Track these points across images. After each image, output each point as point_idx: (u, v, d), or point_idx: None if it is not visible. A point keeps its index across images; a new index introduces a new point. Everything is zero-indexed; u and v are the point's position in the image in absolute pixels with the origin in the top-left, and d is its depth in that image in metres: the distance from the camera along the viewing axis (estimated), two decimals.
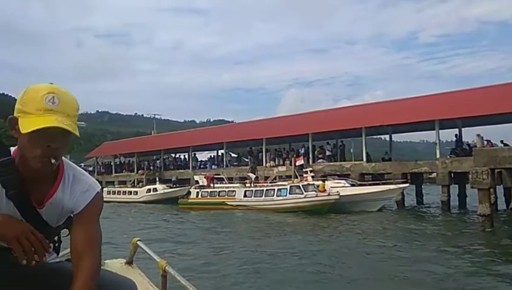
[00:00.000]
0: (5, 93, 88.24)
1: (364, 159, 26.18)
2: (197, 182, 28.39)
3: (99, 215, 1.62)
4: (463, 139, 24.86)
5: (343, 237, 14.30)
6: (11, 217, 1.46)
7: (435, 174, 23.22)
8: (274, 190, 23.18)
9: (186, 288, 1.77)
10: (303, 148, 29.96)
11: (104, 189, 32.86)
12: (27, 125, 1.34)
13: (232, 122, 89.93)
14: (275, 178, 26.95)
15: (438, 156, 23.05)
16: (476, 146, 20.67)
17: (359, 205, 21.15)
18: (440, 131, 24.29)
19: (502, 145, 22.09)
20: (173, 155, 42.82)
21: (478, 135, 22.77)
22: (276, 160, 30.97)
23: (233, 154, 37.69)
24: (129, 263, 2.61)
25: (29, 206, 1.51)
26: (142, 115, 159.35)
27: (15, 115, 1.40)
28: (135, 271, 2.49)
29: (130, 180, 38.80)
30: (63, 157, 1.54)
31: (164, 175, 37.69)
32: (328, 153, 29.06)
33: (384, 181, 23.00)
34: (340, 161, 28.14)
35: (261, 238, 14.71)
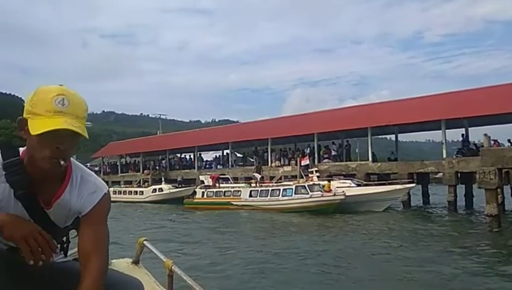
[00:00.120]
0: (12, 93, 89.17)
1: (370, 159, 26.06)
2: (202, 182, 28.39)
3: (106, 216, 1.63)
4: (469, 139, 24.72)
5: (349, 238, 14.26)
6: (19, 217, 1.47)
7: (441, 174, 23.07)
8: (279, 190, 23.14)
9: (192, 288, 1.77)
10: (308, 148, 29.88)
11: (110, 189, 32.52)
12: (37, 127, 1.35)
13: (237, 122, 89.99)
14: (280, 178, 26.94)
15: (444, 155, 22.91)
16: (483, 146, 20.51)
17: (365, 205, 21.06)
18: (446, 131, 24.16)
19: (509, 144, 21.98)
20: (179, 155, 42.90)
21: (485, 135, 22.55)
22: (282, 160, 30.91)
23: (238, 154, 37.67)
24: (135, 262, 2.62)
25: (37, 206, 1.52)
26: (148, 115, 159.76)
27: (24, 116, 1.40)
28: (141, 271, 2.50)
29: (136, 180, 38.92)
30: (71, 158, 1.55)
31: (170, 175, 37.77)
32: (333, 153, 28.97)
33: (390, 181, 22.89)
34: (346, 161, 28.06)
35: (266, 238, 14.70)
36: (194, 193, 27.85)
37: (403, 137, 47.79)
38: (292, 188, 22.56)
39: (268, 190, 23.70)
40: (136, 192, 34.87)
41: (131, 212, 25.67)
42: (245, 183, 27.15)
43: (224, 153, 37.08)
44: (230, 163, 34.51)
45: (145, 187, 35.07)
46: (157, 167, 40.78)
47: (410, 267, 9.68)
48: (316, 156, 28.44)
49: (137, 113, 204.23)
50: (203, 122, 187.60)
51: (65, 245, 1.71)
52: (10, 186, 1.46)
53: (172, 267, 2.05)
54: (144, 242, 2.47)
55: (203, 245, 13.42)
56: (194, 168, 36.69)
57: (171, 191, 32.52)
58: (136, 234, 12.08)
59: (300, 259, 10.81)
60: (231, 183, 27.91)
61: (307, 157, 26.30)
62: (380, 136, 38.57)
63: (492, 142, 21.98)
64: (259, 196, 23.75)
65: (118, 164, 45.86)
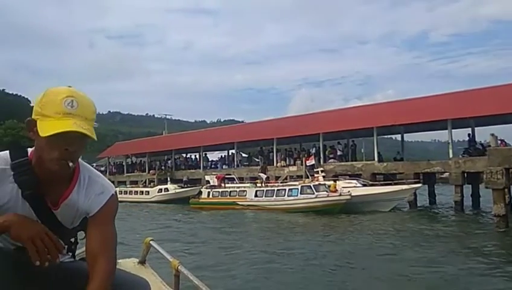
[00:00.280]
0: (19, 94, 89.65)
1: (376, 159, 25.96)
2: (208, 182, 28.39)
3: (114, 217, 1.63)
4: (476, 139, 24.55)
5: (355, 238, 14.21)
6: (26, 217, 1.47)
7: (447, 174, 22.95)
8: (285, 190, 23.12)
9: (198, 288, 1.76)
10: (314, 148, 29.83)
11: (116, 189, 32.93)
12: (46, 128, 1.35)
13: (243, 122, 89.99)
14: (285, 178, 26.93)
15: (451, 155, 22.79)
16: (489, 145, 20.37)
17: (371, 205, 20.98)
18: (452, 130, 24.01)
19: None
20: (184, 155, 42.99)
21: (492, 135, 22.40)
22: (287, 160, 30.87)
23: (244, 154, 37.66)
24: (142, 262, 2.62)
25: (44, 207, 1.53)
26: (153, 115, 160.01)
27: (33, 117, 1.41)
28: (148, 271, 2.50)
29: (142, 180, 39.09)
30: (79, 159, 1.55)
31: (175, 175, 37.85)
32: (339, 152, 28.91)
33: (396, 181, 22.80)
34: (352, 161, 27.98)
35: (271, 238, 14.70)
36: (200, 193, 27.88)
37: (408, 137, 47.45)
38: (298, 188, 22.52)
39: (274, 190, 23.68)
40: (142, 192, 35.00)
41: (137, 212, 25.75)
42: (250, 183, 27.12)
43: (230, 153, 37.10)
44: (235, 163, 34.54)
45: (151, 187, 35.22)
46: (163, 167, 40.87)
47: (417, 268, 9.62)
48: (321, 156, 28.36)
49: (143, 114, 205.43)
50: (208, 122, 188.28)
51: (73, 246, 1.71)
52: (18, 186, 1.47)
53: (179, 267, 2.05)
54: (150, 242, 2.48)
55: (208, 245, 13.44)
56: (200, 168, 36.74)
57: (177, 191, 32.60)
58: (142, 234, 12.10)
59: (306, 259, 10.79)
60: (236, 183, 27.92)
61: (313, 157, 26.28)
62: (386, 136, 38.44)
63: (499, 142, 21.80)
64: (265, 196, 23.74)
65: (123, 164, 46.04)
